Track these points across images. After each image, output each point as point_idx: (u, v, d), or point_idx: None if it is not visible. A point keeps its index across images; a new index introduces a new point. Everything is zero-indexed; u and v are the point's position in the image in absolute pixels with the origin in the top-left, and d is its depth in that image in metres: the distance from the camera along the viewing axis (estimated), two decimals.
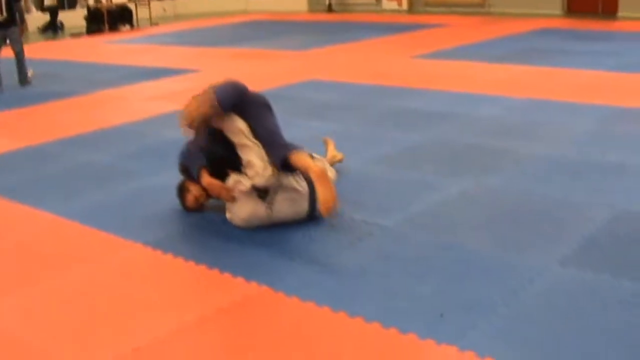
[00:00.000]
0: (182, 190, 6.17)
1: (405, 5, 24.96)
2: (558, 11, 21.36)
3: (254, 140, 5.77)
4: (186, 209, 6.17)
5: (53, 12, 24.75)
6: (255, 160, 5.69)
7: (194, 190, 6.03)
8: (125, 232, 5.82)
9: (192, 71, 13.89)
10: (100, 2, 23.41)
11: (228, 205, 5.84)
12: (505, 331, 4.08)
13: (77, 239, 5.85)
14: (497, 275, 4.75)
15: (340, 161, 6.97)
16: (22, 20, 13.42)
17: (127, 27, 23.67)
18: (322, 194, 5.35)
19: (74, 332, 4.37)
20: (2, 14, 12.85)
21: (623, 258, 4.93)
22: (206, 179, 5.77)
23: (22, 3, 13.83)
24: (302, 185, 5.77)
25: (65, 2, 26.70)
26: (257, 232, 5.68)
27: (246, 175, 5.73)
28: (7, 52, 13.39)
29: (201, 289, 4.84)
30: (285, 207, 5.73)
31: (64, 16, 25.54)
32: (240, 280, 4.86)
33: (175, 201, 6.27)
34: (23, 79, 13.52)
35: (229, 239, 5.60)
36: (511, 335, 4.04)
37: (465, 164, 7.11)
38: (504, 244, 5.24)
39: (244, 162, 5.76)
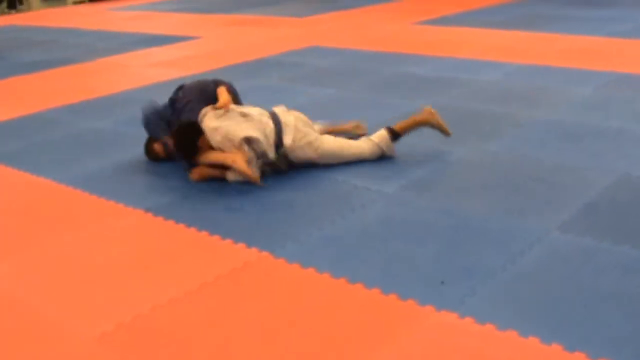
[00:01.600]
0: (148, 147, 6.74)
1: None
2: None
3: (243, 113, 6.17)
4: (152, 159, 6.73)
5: None
6: (258, 134, 5.96)
7: (157, 148, 6.67)
8: (127, 198, 5.84)
9: (193, 38, 13.88)
10: None
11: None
12: (504, 297, 4.10)
13: (77, 205, 5.87)
14: (497, 240, 4.77)
15: (361, 132, 6.99)
16: None
17: None
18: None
19: (74, 297, 4.40)
20: None
21: (623, 224, 4.94)
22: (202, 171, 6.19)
23: None
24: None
25: None
26: (260, 199, 5.71)
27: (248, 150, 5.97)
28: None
29: (202, 255, 4.85)
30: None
31: None
32: (241, 246, 4.88)
33: (177, 167, 6.31)
34: None
35: (230, 206, 5.62)
36: (511, 301, 4.06)
37: (466, 129, 7.11)
38: (503, 210, 5.25)
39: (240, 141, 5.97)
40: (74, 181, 6.32)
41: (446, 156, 6.40)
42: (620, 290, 4.12)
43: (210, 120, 6.10)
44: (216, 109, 6.19)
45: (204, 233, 5.13)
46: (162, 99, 6.72)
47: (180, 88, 6.73)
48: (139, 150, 6.87)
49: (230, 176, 6.04)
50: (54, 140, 7.64)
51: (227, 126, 6.01)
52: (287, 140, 6.11)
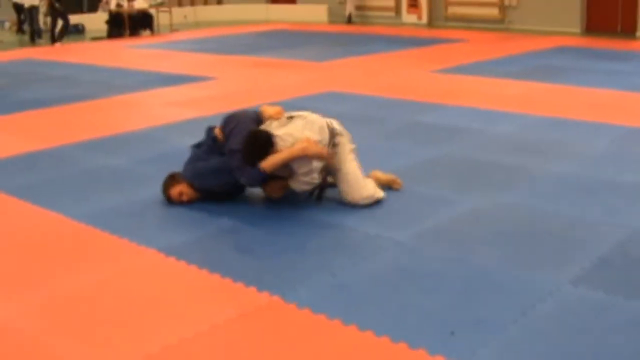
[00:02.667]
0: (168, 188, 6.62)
1: (424, 19, 24.99)
2: (577, 29, 21.35)
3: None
4: (168, 199, 6.63)
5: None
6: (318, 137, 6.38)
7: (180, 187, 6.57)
8: (139, 237, 5.85)
9: (211, 79, 13.95)
10: (122, 6, 23.51)
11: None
12: (515, 350, 4.09)
13: (90, 242, 5.89)
14: (509, 292, 4.76)
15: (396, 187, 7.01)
16: None
17: (148, 32, 23.79)
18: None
19: (85, 335, 4.40)
20: None
21: (635, 279, 4.93)
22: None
23: None
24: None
25: (85, 5, 26.91)
26: (271, 242, 5.72)
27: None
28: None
29: (213, 297, 4.86)
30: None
31: (85, 19, 25.69)
32: (252, 290, 4.88)
33: (191, 208, 6.33)
34: None
35: (242, 248, 5.64)
36: (521, 354, 4.05)
37: (480, 180, 7.12)
38: (516, 262, 5.24)
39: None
40: (88, 218, 6.34)
41: (459, 206, 6.40)
42: (631, 346, 4.10)
43: (277, 129, 6.32)
44: (272, 118, 6.46)
45: (215, 275, 5.13)
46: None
47: (212, 128, 6.75)
48: (153, 189, 6.89)
49: (295, 185, 6.27)
50: (67, 176, 7.67)
51: (293, 130, 6.29)
52: (338, 127, 6.60)
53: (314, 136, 6.25)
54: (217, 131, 6.62)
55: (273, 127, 6.36)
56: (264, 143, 6.19)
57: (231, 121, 6.60)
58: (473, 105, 10.68)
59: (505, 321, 4.39)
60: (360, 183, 6.48)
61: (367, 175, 6.76)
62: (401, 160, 7.80)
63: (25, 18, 24.06)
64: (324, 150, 6.15)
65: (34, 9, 22.37)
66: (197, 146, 6.78)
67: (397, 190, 6.89)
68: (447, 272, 5.09)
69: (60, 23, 21.67)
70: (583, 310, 4.51)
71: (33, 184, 7.39)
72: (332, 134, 6.47)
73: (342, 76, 14.03)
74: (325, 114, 8.18)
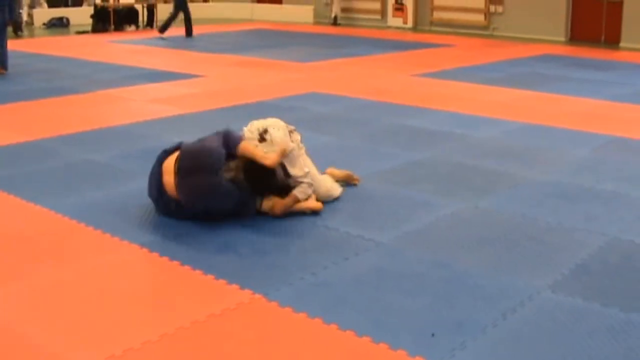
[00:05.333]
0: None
1: (410, 23, 25.03)
2: (561, 38, 21.45)
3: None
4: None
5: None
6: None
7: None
8: (121, 232, 5.86)
9: (195, 76, 13.95)
10: (107, 1, 23.45)
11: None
12: (494, 353, 4.13)
13: (73, 235, 5.89)
14: (488, 296, 4.80)
15: (353, 182, 7.11)
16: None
17: (133, 27, 23.75)
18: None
19: (66, 328, 4.41)
20: None
21: (613, 286, 4.98)
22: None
23: None
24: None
25: None
26: (254, 241, 5.74)
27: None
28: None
29: (196, 294, 4.87)
30: None
31: (70, 12, 25.61)
32: (234, 287, 4.90)
33: None
34: None
35: (225, 245, 5.65)
36: (500, 357, 4.09)
37: (461, 184, 7.17)
38: (495, 266, 5.29)
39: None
40: (70, 211, 6.34)
41: (440, 209, 6.44)
42: (608, 352, 4.15)
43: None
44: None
45: (198, 272, 5.15)
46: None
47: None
48: (135, 184, 6.90)
49: (300, 193, 6.31)
50: (50, 169, 7.67)
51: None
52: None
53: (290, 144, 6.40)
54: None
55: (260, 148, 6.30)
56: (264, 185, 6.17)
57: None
58: (456, 110, 10.73)
59: (485, 324, 4.42)
60: (319, 180, 6.59)
61: (323, 172, 6.82)
62: (384, 163, 7.84)
63: None
64: (283, 149, 6.23)
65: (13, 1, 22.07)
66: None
67: (355, 185, 7.03)
68: (428, 275, 5.13)
69: (180, 16, 21.64)
70: (562, 316, 4.56)
71: (15, 176, 7.38)
72: (290, 134, 6.54)
73: (326, 77, 14.06)
74: (309, 114, 8.21)
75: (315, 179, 6.53)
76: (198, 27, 22.73)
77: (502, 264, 5.32)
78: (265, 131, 6.34)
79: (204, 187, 5.92)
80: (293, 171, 6.32)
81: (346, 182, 7.00)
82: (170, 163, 6.08)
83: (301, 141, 6.65)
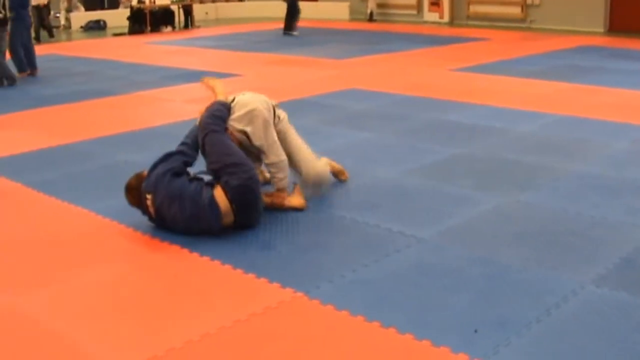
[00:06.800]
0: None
1: (446, 18, 24.95)
2: (600, 29, 21.27)
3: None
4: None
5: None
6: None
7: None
8: (163, 233, 5.86)
9: (233, 75, 13.96)
10: (144, 2, 23.58)
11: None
12: (538, 349, 4.09)
13: (114, 236, 5.92)
14: (531, 292, 4.75)
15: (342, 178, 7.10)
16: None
17: (169, 28, 23.86)
18: None
19: (108, 329, 4.43)
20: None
21: None
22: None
23: None
24: None
25: (107, 1, 26.97)
26: (294, 239, 5.73)
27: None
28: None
29: (237, 293, 4.87)
30: None
31: (106, 15, 25.79)
32: (275, 285, 4.90)
33: None
34: None
35: (265, 244, 5.65)
36: (544, 353, 4.04)
37: (502, 179, 7.11)
38: (538, 261, 5.23)
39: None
40: (109, 212, 6.37)
41: (481, 205, 6.39)
42: None
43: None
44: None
45: (238, 271, 5.15)
46: None
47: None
48: None
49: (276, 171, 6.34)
50: (89, 171, 7.71)
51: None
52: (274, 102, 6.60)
53: (262, 104, 6.33)
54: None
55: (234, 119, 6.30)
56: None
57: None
58: (495, 104, 10.66)
59: (528, 320, 4.38)
60: (315, 157, 6.59)
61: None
62: (424, 158, 7.80)
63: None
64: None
65: (44, 8, 22.08)
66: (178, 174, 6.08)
67: (343, 181, 7.03)
68: (469, 270, 5.09)
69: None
70: (607, 311, 4.50)
71: (55, 179, 7.43)
72: (273, 108, 6.48)
73: (363, 74, 14.03)
74: (347, 111, 8.17)
75: (304, 159, 6.52)
76: (234, 26, 22.79)
77: (544, 259, 5.27)
78: (233, 99, 6.42)
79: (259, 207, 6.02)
80: (270, 158, 6.30)
81: (336, 176, 7.03)
82: (221, 201, 5.78)
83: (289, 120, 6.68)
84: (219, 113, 6.22)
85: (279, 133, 6.41)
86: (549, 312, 4.48)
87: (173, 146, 6.41)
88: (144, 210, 5.97)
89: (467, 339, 4.19)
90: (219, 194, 5.69)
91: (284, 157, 6.33)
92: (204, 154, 6.14)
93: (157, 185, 5.83)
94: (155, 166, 6.08)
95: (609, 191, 6.70)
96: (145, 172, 6.13)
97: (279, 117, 6.50)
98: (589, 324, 4.34)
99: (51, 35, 22.28)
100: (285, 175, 6.34)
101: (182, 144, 6.33)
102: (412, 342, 4.17)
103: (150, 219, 5.97)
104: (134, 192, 6.07)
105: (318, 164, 6.55)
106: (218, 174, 5.86)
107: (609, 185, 6.86)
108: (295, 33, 21.32)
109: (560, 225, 5.92)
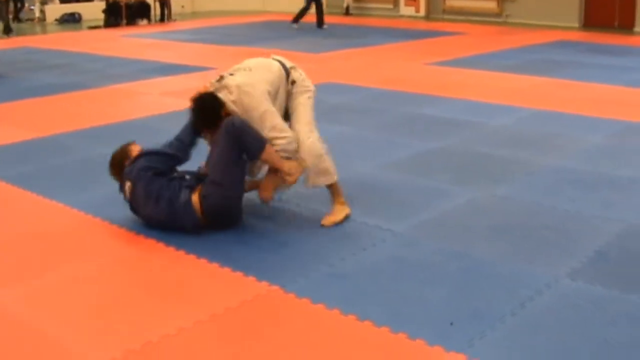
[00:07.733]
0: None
1: (422, 12, 24.95)
2: (575, 24, 21.34)
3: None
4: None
5: None
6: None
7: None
8: (139, 227, 5.85)
9: (208, 69, 13.91)
10: None
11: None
12: (513, 342, 4.11)
13: (89, 230, 5.91)
14: (506, 285, 4.78)
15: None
16: None
17: (145, 21, 23.78)
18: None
19: (84, 323, 4.42)
20: None
21: (633, 273, 4.95)
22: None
23: None
24: None
25: None
26: (270, 234, 5.73)
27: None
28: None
29: (213, 286, 4.87)
30: None
31: (81, 8, 25.66)
32: (251, 279, 4.90)
33: None
34: None
35: (242, 238, 5.64)
36: (519, 346, 4.07)
37: (477, 172, 7.14)
38: (513, 255, 5.26)
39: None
40: (86, 206, 6.35)
41: (456, 198, 6.42)
42: (628, 340, 4.13)
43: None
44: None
45: (214, 265, 5.15)
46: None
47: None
48: None
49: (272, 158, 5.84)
50: (65, 165, 7.68)
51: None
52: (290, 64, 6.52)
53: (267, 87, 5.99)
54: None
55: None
56: (212, 111, 5.93)
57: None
58: (471, 98, 10.68)
59: (503, 313, 4.41)
60: (312, 127, 6.32)
61: None
62: (400, 152, 7.82)
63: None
64: None
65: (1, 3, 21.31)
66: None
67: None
68: (445, 264, 5.11)
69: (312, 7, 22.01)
70: (581, 304, 4.53)
71: (31, 173, 7.39)
72: (287, 72, 6.32)
73: (340, 68, 14.03)
74: (323, 105, 8.18)
75: (311, 121, 6.36)
76: (210, 20, 22.72)
77: (519, 253, 5.30)
78: (222, 77, 6.02)
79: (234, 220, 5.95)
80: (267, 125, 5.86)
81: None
82: (197, 208, 5.70)
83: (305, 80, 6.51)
84: (254, 141, 5.74)
85: (290, 96, 6.26)
86: (523, 305, 4.51)
87: (150, 139, 6.41)
88: (121, 188, 5.95)
89: (443, 332, 4.21)
90: (195, 200, 5.66)
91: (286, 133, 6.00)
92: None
93: (138, 178, 5.79)
94: (147, 154, 6.03)
95: (584, 185, 6.74)
96: (133, 146, 6.15)
97: (293, 82, 6.30)
98: (563, 317, 4.37)
99: (9, 31, 21.45)
100: (284, 150, 5.93)
101: (178, 140, 6.21)
102: (388, 335, 4.18)
103: (125, 199, 5.94)
104: (116, 168, 6.06)
105: (307, 141, 6.13)
106: (206, 178, 5.79)
107: (584, 180, 6.90)
108: (295, 26, 21.36)
109: (535, 219, 5.95)
